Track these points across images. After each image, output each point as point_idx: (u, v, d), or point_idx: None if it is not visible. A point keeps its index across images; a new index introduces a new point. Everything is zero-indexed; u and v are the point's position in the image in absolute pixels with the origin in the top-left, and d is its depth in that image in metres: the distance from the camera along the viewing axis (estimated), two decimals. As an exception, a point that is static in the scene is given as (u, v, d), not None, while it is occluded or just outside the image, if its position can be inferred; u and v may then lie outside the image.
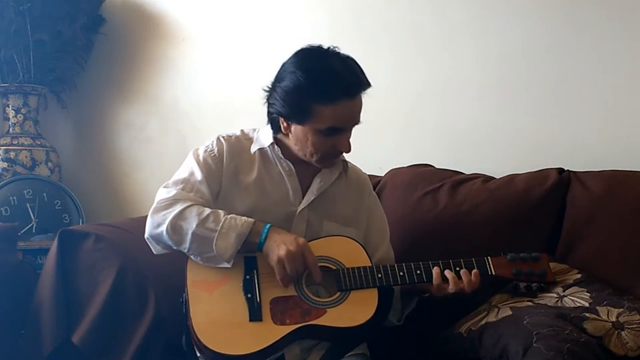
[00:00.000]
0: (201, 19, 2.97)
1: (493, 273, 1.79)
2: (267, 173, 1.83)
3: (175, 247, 1.71)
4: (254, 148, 1.84)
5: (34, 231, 2.87)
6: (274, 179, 1.83)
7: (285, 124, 1.77)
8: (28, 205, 2.88)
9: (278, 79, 1.75)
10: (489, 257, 1.80)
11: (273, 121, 1.80)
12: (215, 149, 1.81)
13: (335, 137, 1.73)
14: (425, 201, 2.19)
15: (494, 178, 2.22)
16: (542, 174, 2.15)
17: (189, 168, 1.80)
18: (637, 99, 2.26)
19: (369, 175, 2.34)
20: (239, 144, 1.85)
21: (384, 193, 2.29)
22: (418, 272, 1.76)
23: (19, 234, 2.60)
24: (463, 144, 2.50)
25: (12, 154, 2.95)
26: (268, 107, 1.79)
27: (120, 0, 3.13)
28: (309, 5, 2.77)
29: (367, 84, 1.73)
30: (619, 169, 2.11)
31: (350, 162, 1.93)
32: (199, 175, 1.77)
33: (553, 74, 2.37)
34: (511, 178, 2.18)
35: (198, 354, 1.70)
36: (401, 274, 1.75)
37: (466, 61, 2.50)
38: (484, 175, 2.25)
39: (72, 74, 3.12)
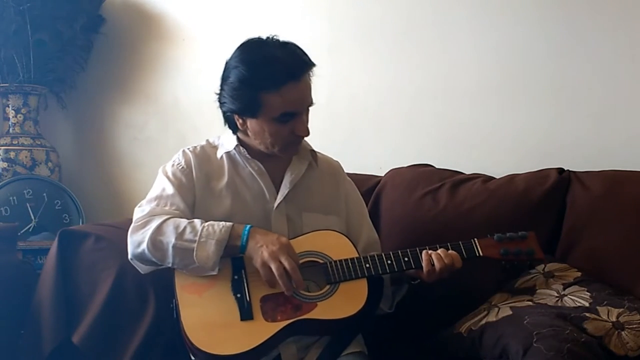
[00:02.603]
0: (201, 19, 2.97)
1: (481, 254, 1.79)
2: (238, 175, 1.83)
3: (159, 264, 1.71)
4: (219, 153, 1.85)
5: (32, 231, 2.87)
6: (245, 180, 1.83)
7: (240, 121, 1.77)
8: (28, 205, 2.88)
9: (224, 77, 1.77)
10: (476, 239, 1.81)
11: (229, 121, 1.81)
12: (183, 162, 1.83)
13: (291, 122, 1.73)
14: (425, 201, 2.19)
15: (494, 178, 2.22)
16: (542, 174, 2.15)
17: (160, 185, 1.81)
18: (637, 99, 2.26)
19: (369, 175, 2.35)
20: (204, 153, 1.86)
21: (384, 193, 2.29)
22: (406, 259, 1.76)
23: (19, 234, 2.60)
24: (463, 144, 2.50)
25: (12, 154, 2.95)
26: (220, 107, 1.80)
27: (120, 0, 3.13)
28: (309, 6, 2.77)
29: (310, 64, 1.73)
30: (619, 169, 2.11)
31: (319, 152, 1.93)
32: (170, 190, 1.78)
33: (553, 74, 2.37)
34: (511, 178, 2.18)
35: (192, 358, 1.70)
36: (389, 262, 1.76)
37: (466, 61, 2.49)
38: (484, 175, 2.25)
39: (72, 74, 3.12)
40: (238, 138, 1.84)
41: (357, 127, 2.66)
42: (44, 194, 2.93)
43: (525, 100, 2.41)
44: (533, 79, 2.40)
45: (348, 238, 1.80)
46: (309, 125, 1.78)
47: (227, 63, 1.77)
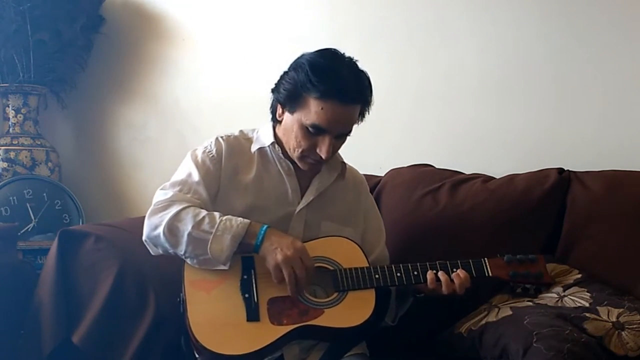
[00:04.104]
0: (201, 19, 2.97)
1: (490, 274, 1.79)
2: (266, 172, 1.83)
3: (171, 250, 1.71)
4: (254, 147, 1.84)
5: (32, 231, 2.87)
6: (272, 178, 1.83)
7: (280, 110, 1.78)
8: (28, 205, 2.88)
9: (289, 67, 1.77)
10: (486, 259, 1.81)
11: (273, 107, 1.81)
12: (214, 150, 1.81)
13: (318, 137, 1.72)
14: (425, 201, 2.19)
15: (494, 178, 2.22)
16: (542, 174, 2.15)
17: (187, 169, 1.79)
18: (637, 99, 2.26)
19: (369, 175, 2.34)
20: (237, 143, 1.85)
21: (384, 193, 2.29)
22: (415, 273, 1.76)
23: (19, 234, 2.60)
24: (463, 144, 2.50)
25: (12, 154, 2.95)
26: (273, 91, 1.79)
27: (120, 0, 3.13)
28: (309, 5, 2.77)
29: (365, 99, 1.73)
30: (619, 169, 2.11)
31: (347, 164, 1.93)
32: (196, 177, 1.77)
33: (553, 74, 2.37)
34: (511, 178, 2.18)
35: (196, 355, 1.69)
36: (398, 274, 1.75)
37: (466, 61, 2.50)
38: (484, 175, 2.25)
39: (72, 74, 3.12)
40: (275, 135, 1.82)
41: (357, 127, 2.65)
42: (44, 194, 2.92)
43: (525, 101, 2.41)
44: (533, 79, 2.40)
45: (360, 247, 1.80)
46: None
47: (301, 55, 1.76)
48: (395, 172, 2.37)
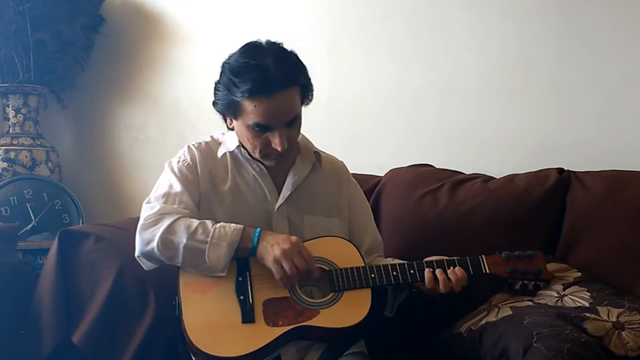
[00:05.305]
0: (201, 19, 2.97)
1: (488, 272, 1.78)
2: (241, 176, 1.82)
3: (167, 262, 1.71)
4: (220, 152, 1.83)
5: (32, 231, 2.87)
6: (248, 182, 1.82)
7: (228, 120, 1.77)
8: (28, 205, 2.88)
9: (219, 74, 1.75)
10: (483, 256, 1.80)
11: (222, 118, 1.80)
12: (188, 158, 1.81)
13: (267, 133, 1.70)
14: (425, 201, 2.19)
15: (494, 178, 2.22)
16: (542, 174, 2.15)
17: (167, 181, 1.79)
18: (637, 99, 2.26)
19: (369, 175, 2.35)
20: (209, 150, 1.85)
21: (384, 193, 2.29)
22: (412, 271, 1.76)
23: (19, 234, 2.60)
24: (463, 144, 2.50)
25: (12, 154, 2.95)
26: (213, 104, 1.78)
27: (120, 0, 3.13)
28: (309, 6, 2.77)
29: (295, 80, 1.68)
30: (619, 169, 2.11)
31: (323, 152, 1.91)
32: (178, 187, 1.76)
33: (553, 74, 2.37)
34: (511, 178, 2.18)
35: (193, 358, 1.69)
36: (394, 273, 1.75)
37: (466, 61, 2.49)
38: (484, 175, 2.25)
39: (72, 74, 3.12)
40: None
41: (357, 127, 2.66)
42: (44, 194, 2.93)
43: (525, 101, 2.41)
44: (533, 79, 2.40)
45: (355, 247, 1.79)
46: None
47: (225, 59, 1.75)
48: (395, 172, 2.37)
